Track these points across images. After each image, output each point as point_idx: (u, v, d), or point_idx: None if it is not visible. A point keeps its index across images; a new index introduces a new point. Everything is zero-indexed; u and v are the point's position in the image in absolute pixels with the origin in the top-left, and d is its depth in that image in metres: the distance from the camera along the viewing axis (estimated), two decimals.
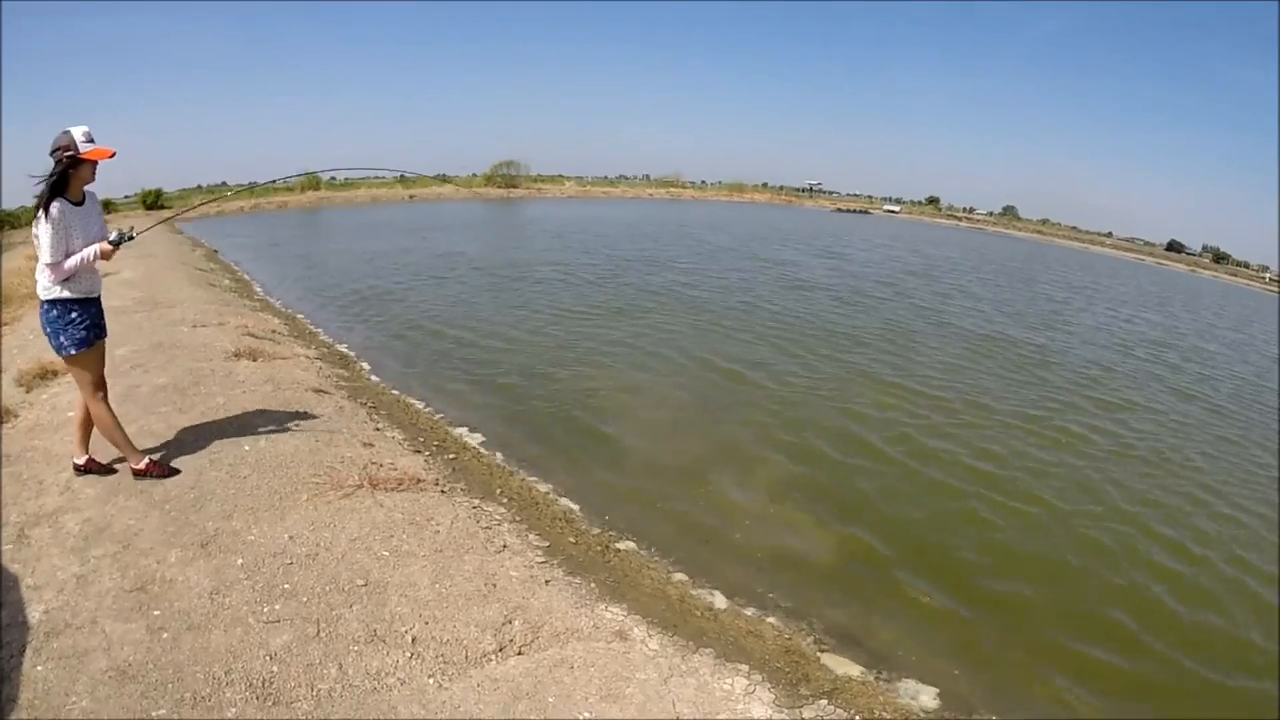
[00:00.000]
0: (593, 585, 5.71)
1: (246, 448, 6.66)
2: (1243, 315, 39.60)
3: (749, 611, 5.97)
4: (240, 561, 5.06)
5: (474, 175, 62.95)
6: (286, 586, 4.88)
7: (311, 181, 53.14)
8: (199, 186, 53.34)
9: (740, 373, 12.98)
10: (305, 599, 4.78)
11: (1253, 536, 8.72)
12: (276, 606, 4.67)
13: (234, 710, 3.83)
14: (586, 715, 4.04)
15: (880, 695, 5.21)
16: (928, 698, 5.35)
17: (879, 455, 9.64)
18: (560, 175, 73.37)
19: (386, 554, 5.33)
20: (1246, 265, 74.31)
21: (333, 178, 54.55)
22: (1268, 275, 69.79)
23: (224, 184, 56.93)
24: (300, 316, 14.49)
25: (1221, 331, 29.53)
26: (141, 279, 15.66)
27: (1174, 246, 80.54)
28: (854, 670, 5.49)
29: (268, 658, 4.24)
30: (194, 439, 6.73)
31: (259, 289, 17.48)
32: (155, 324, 10.91)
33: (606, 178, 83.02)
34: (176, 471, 6.00)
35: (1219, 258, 75.42)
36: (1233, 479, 10.54)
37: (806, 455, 9.44)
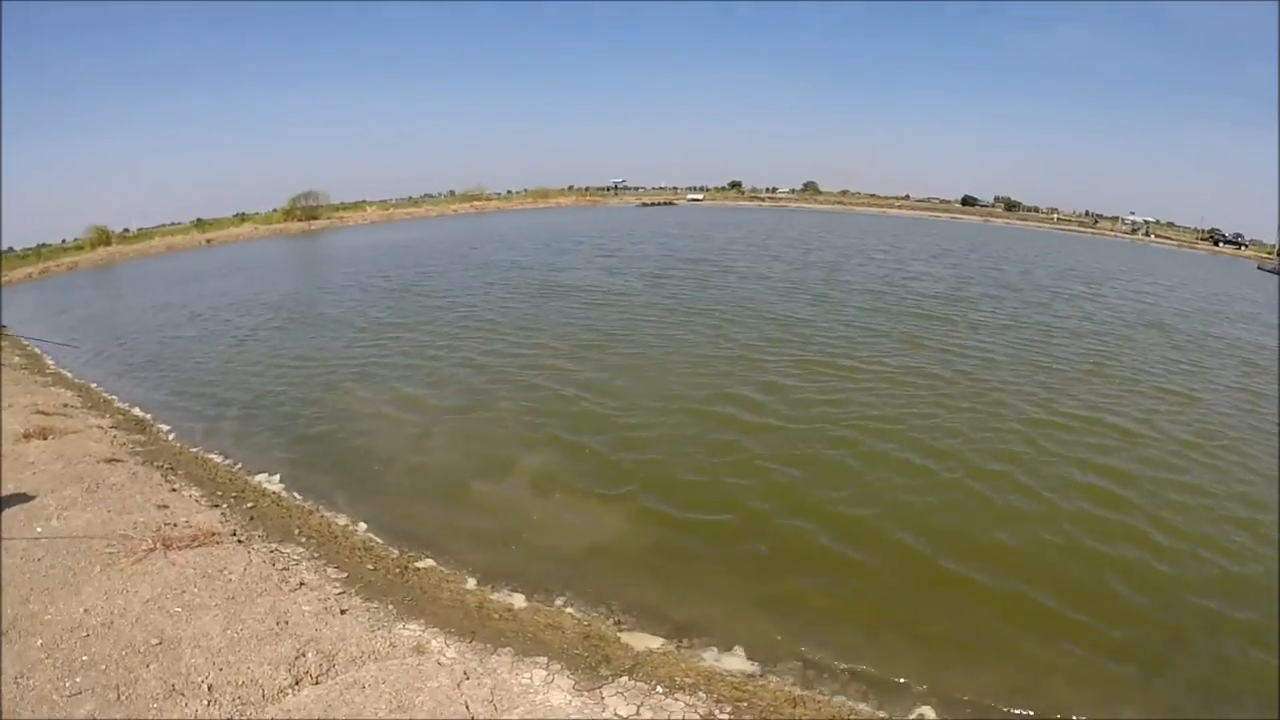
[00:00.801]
0: (391, 607, 6.19)
1: (39, 529, 6.69)
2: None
3: (548, 606, 6.51)
4: (40, 642, 5.22)
5: (274, 211, 60.87)
6: (85, 658, 5.09)
7: (101, 236, 49.72)
8: None
9: (502, 374, 13.72)
10: (104, 666, 5.01)
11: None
12: (78, 679, 4.89)
13: None
14: None
15: (683, 663, 5.74)
16: (735, 660, 5.89)
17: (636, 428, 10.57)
18: (362, 201, 71.39)
19: (180, 610, 5.60)
20: (1036, 210, 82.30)
21: (127, 230, 52.00)
22: (1055, 216, 77.86)
23: (10, 250, 52.22)
24: (94, 385, 14.11)
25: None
26: None
27: (968, 201, 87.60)
28: (655, 644, 6.02)
29: None
30: None
31: (51, 362, 16.85)
32: None
33: (411, 198, 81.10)
34: None
35: (1010, 206, 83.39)
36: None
37: (568, 445, 10.09)
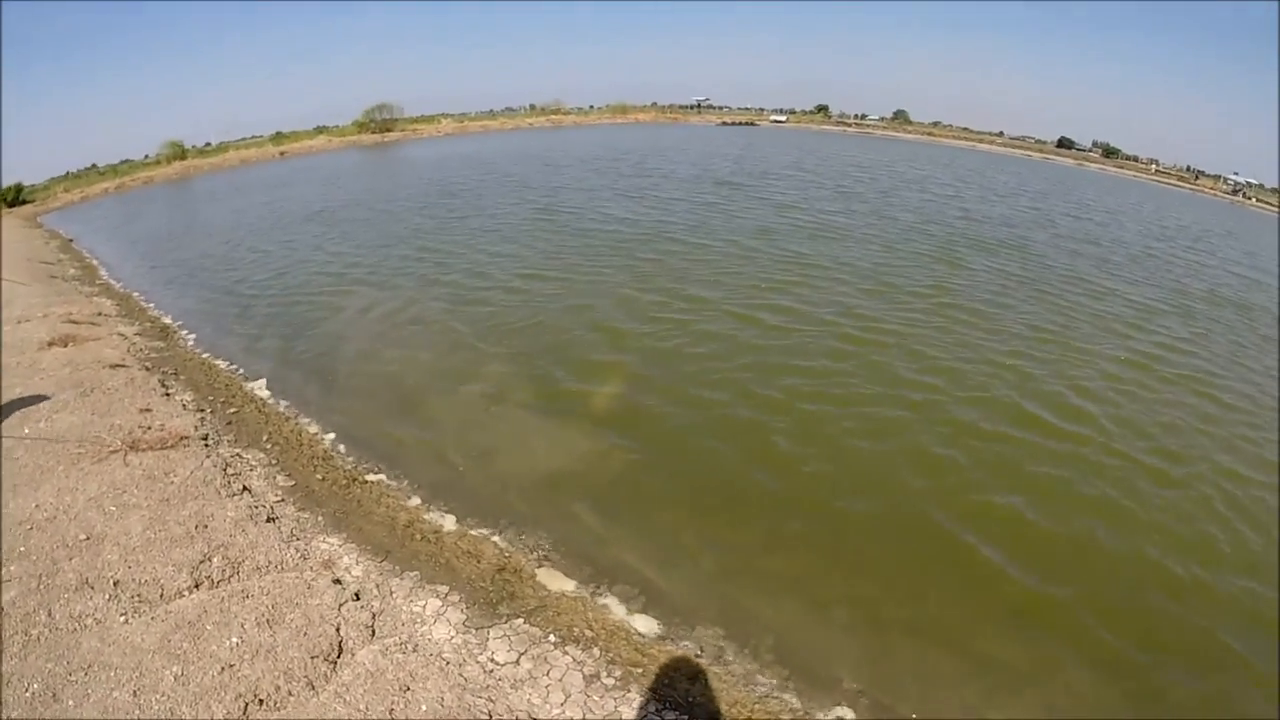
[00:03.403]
0: (320, 518, 6.36)
1: (27, 430, 7.21)
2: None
3: (476, 532, 6.44)
4: None
5: (350, 124, 62.54)
6: (22, 549, 5.50)
7: (177, 151, 52.26)
8: (66, 174, 51.94)
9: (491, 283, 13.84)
10: (35, 558, 5.40)
11: None
12: (11, 568, 5.30)
13: None
14: (234, 640, 4.66)
15: (591, 612, 5.42)
16: (647, 618, 5.46)
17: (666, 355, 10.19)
18: (438, 114, 72.27)
19: (114, 509, 5.94)
20: (1135, 159, 75.34)
21: (208, 143, 54.42)
22: (1153, 167, 70.92)
23: (94, 167, 55.70)
24: (136, 294, 14.93)
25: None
26: None
27: (1064, 143, 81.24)
28: (568, 586, 5.76)
29: None
30: None
31: (104, 273, 17.86)
32: None
33: (491, 111, 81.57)
34: None
35: (1108, 152, 76.59)
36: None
37: (574, 362, 9.96)
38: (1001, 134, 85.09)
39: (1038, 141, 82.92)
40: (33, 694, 4.20)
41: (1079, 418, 8.79)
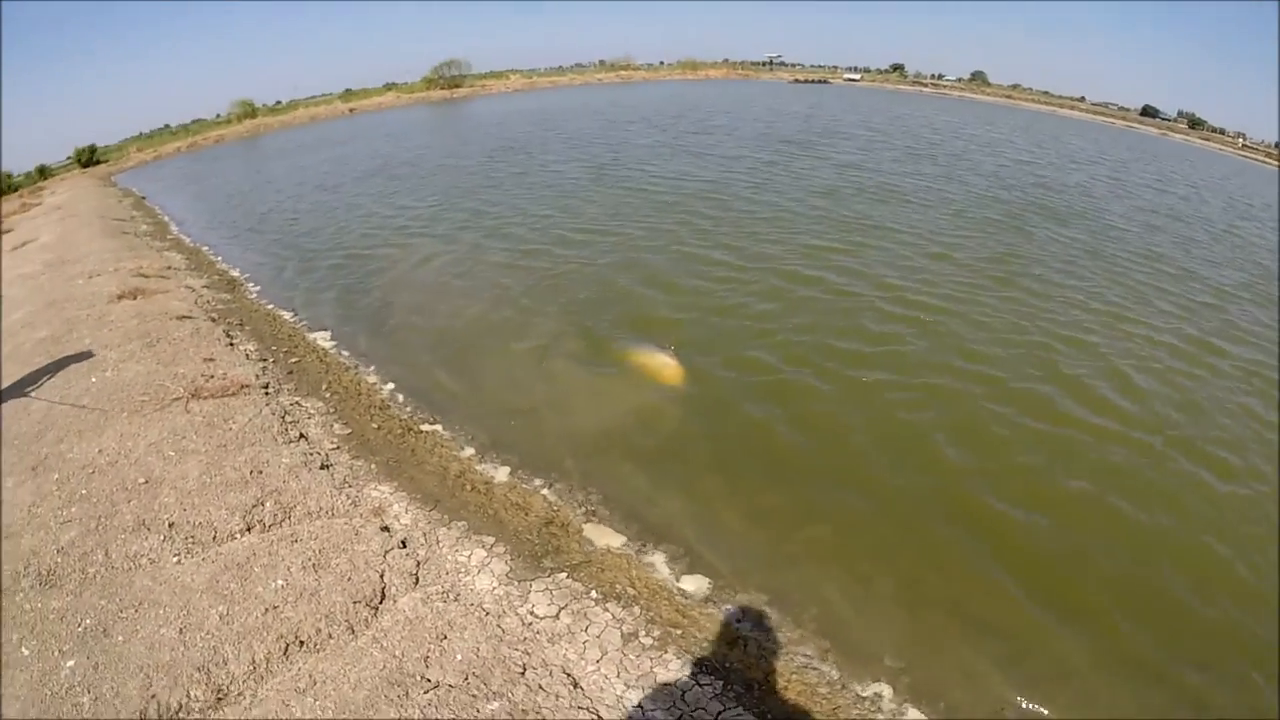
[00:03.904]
0: (373, 466, 6.33)
1: (94, 380, 7.41)
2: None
3: (526, 485, 6.28)
4: (56, 477, 5.84)
5: (419, 80, 63.07)
6: (84, 492, 5.63)
7: (247, 109, 53.34)
8: (139, 134, 53.72)
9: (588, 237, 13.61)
10: (95, 500, 5.52)
11: None
12: (72, 509, 5.43)
13: (20, 595, 4.58)
14: (280, 582, 4.65)
15: (635, 570, 5.24)
16: (692, 579, 5.24)
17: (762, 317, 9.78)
18: (508, 70, 72.11)
19: (173, 454, 6.01)
20: (1222, 132, 70.29)
21: (278, 101, 55.46)
22: (1240, 141, 65.96)
23: (166, 127, 57.48)
24: (204, 249, 15.30)
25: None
26: (56, 241, 16.56)
27: (1148, 111, 76.29)
28: (615, 542, 5.56)
29: (56, 551, 5.00)
30: (56, 381, 7.50)
31: (175, 228, 18.40)
32: (56, 282, 11.74)
33: (560, 67, 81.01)
34: None
35: (1194, 123, 71.50)
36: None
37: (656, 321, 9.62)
38: (1083, 99, 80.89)
39: (1120, 108, 78.62)
40: (84, 629, 4.26)
41: (1143, 400, 8.04)
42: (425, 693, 3.74)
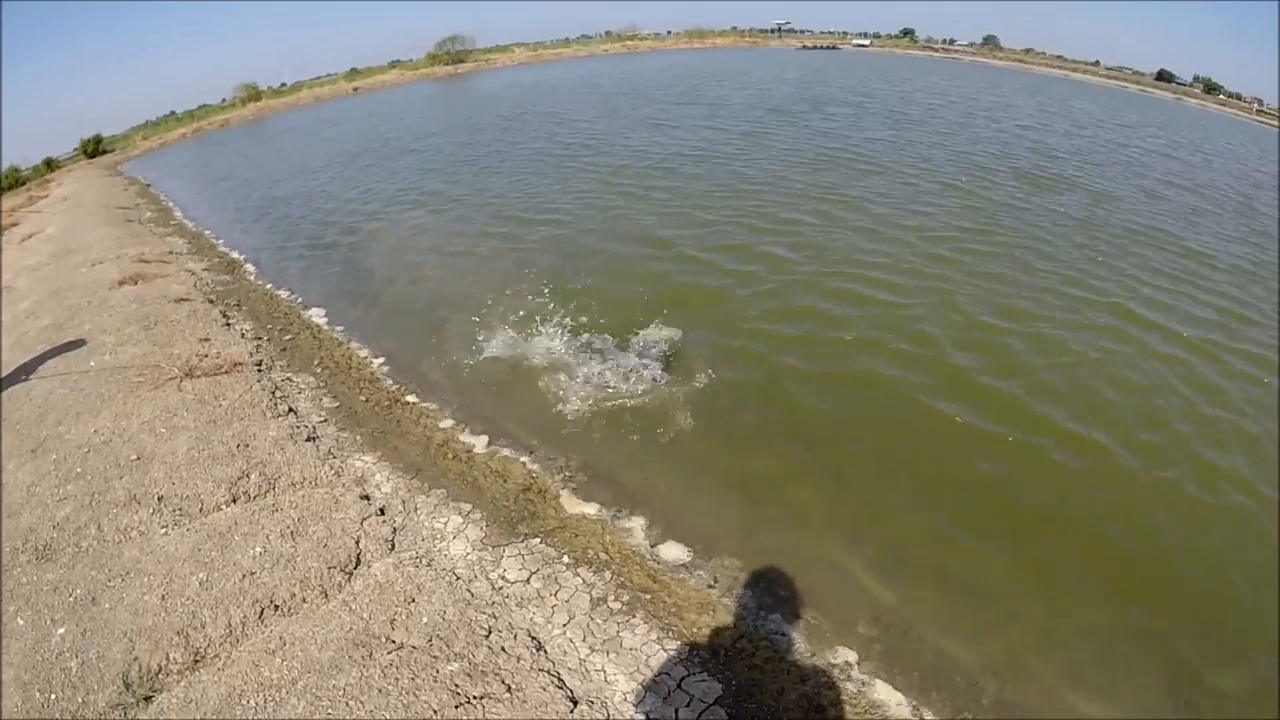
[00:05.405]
0: (358, 437, 6.48)
1: (93, 363, 7.62)
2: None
3: (507, 452, 6.37)
4: (54, 457, 6.05)
5: (423, 56, 62.88)
6: (79, 470, 5.84)
7: (252, 92, 53.37)
8: (145, 122, 54.03)
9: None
10: (90, 478, 5.72)
11: None
12: (69, 487, 5.64)
13: (18, 570, 4.81)
14: (258, 550, 4.83)
15: (609, 536, 5.28)
16: (667, 546, 5.26)
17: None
18: (512, 43, 71.75)
19: (164, 431, 6.20)
20: (1238, 97, 68.17)
21: (283, 84, 55.56)
22: (1255, 107, 63.92)
23: (172, 113, 57.79)
24: (207, 232, 15.49)
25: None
26: (61, 231, 16.80)
27: (1163, 76, 74.20)
28: (590, 509, 5.61)
29: (52, 527, 5.21)
30: (57, 366, 7.72)
31: (178, 213, 18.59)
32: (60, 271, 11.98)
33: (565, 39, 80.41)
34: None
35: (1210, 88, 69.46)
36: None
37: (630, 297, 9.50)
38: (1098, 63, 79.35)
39: (1135, 73, 76.99)
40: (75, 599, 4.46)
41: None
42: (389, 653, 3.89)
